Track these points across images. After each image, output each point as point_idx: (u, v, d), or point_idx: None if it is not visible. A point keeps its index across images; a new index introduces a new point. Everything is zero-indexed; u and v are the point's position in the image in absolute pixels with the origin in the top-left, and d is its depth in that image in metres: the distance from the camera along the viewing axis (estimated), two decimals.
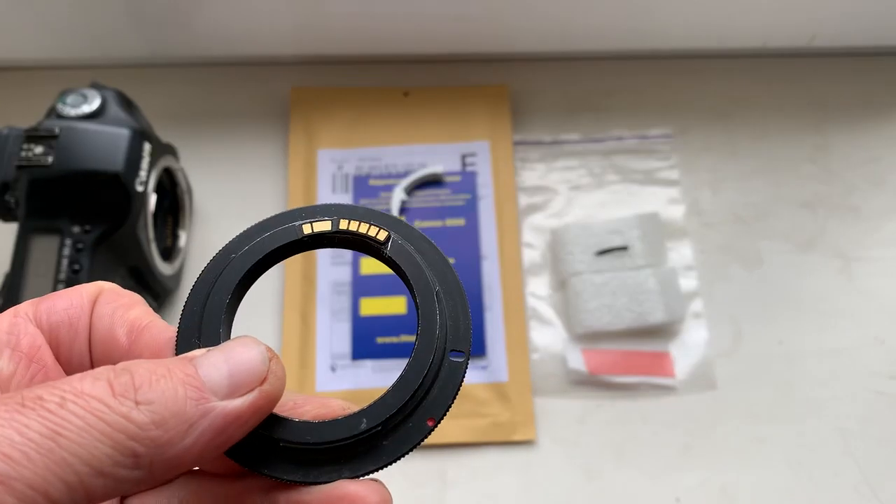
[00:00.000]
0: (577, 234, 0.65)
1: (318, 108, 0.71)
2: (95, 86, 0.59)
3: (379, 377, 0.61)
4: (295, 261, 0.65)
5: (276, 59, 0.74)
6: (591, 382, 0.61)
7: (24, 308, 0.26)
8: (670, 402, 0.60)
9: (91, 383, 0.20)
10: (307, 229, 0.26)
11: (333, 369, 0.61)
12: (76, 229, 0.54)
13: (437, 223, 0.66)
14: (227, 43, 0.72)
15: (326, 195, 0.67)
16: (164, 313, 0.63)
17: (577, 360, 0.61)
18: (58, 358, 0.25)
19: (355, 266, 0.65)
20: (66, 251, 0.54)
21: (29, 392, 0.19)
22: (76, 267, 0.53)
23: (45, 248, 0.54)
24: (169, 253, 0.63)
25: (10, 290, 0.53)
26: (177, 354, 0.24)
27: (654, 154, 0.70)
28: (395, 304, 0.63)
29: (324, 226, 0.26)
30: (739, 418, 0.60)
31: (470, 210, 0.66)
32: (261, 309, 0.64)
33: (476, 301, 0.63)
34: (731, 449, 0.59)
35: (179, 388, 0.21)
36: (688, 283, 0.64)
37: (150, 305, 0.54)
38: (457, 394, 0.24)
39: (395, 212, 0.66)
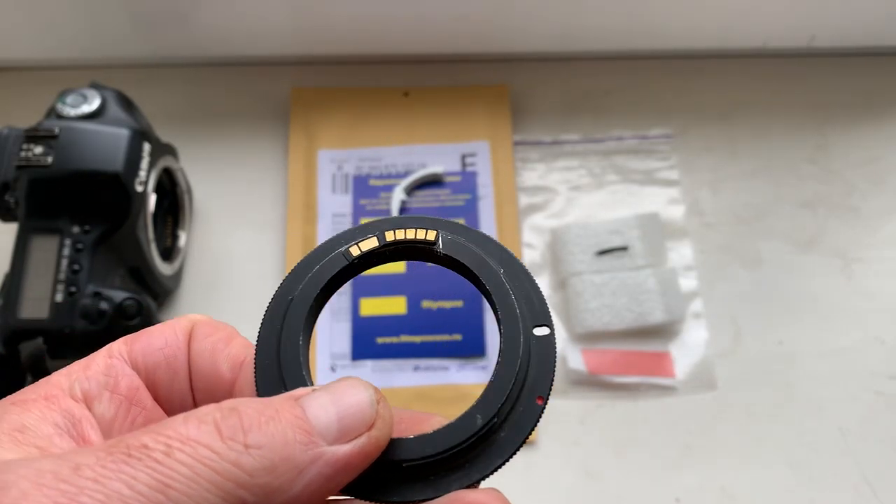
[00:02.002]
0: (577, 234, 0.65)
1: (318, 109, 0.71)
2: (95, 86, 0.59)
3: (379, 377, 0.61)
4: (294, 260, 0.64)
5: (276, 59, 0.74)
6: (591, 382, 0.61)
7: (118, 348, 0.25)
8: (670, 402, 0.60)
9: (197, 427, 0.19)
10: (355, 251, 0.26)
11: (333, 370, 0.61)
12: (76, 229, 0.54)
13: None
14: (226, 43, 0.72)
15: (326, 195, 0.67)
16: (165, 313, 0.63)
17: (577, 360, 0.61)
18: (157, 398, 0.25)
19: None
20: (66, 251, 0.54)
21: (133, 440, 0.18)
22: (76, 267, 0.53)
23: (45, 249, 0.54)
24: (169, 253, 0.63)
25: (9, 290, 0.53)
26: None
27: (654, 154, 0.70)
28: (395, 305, 0.63)
29: (371, 243, 0.26)
30: (739, 418, 0.60)
31: (470, 210, 0.66)
32: (261, 309, 0.63)
33: (476, 301, 0.63)
34: (731, 449, 0.59)
35: (289, 431, 0.20)
36: (688, 283, 0.64)
37: (150, 305, 0.54)
38: (555, 367, 0.24)
39: (394, 212, 0.66)
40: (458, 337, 0.62)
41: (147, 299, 0.55)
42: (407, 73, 0.73)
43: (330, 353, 0.62)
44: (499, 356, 0.24)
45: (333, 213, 0.67)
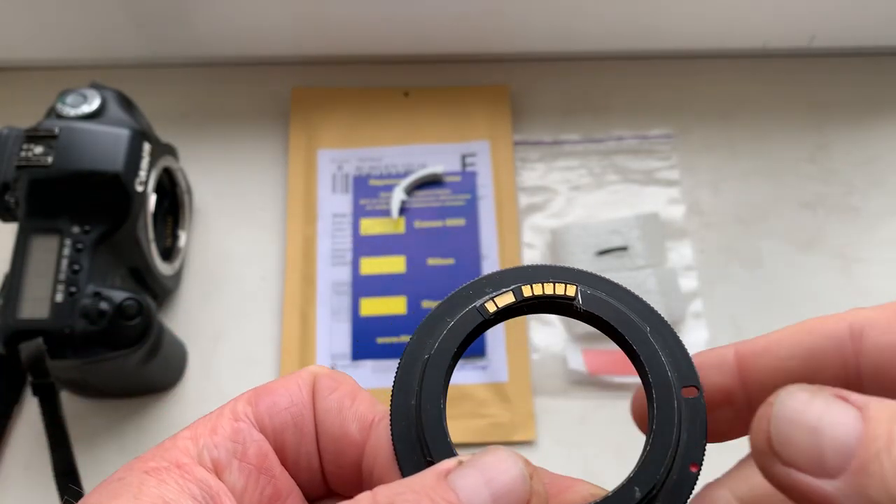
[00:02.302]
0: (577, 234, 0.65)
1: (318, 108, 0.71)
2: (95, 86, 0.59)
3: (379, 377, 0.61)
4: (294, 260, 0.65)
5: (276, 59, 0.74)
6: (591, 383, 0.61)
7: (243, 409, 0.23)
8: None
9: None
10: (491, 307, 0.25)
11: (333, 369, 0.61)
12: (76, 229, 0.54)
13: (437, 223, 0.66)
14: (227, 43, 0.72)
15: (326, 195, 0.67)
16: (165, 314, 0.63)
17: (577, 361, 0.61)
18: (284, 461, 0.23)
19: (355, 266, 0.64)
20: (66, 251, 0.54)
21: None
22: (76, 267, 0.53)
23: (45, 249, 0.54)
24: (169, 253, 0.63)
25: (9, 290, 0.53)
26: (403, 476, 0.22)
27: (655, 154, 0.70)
28: (395, 305, 0.63)
29: (507, 298, 0.25)
30: None
31: (470, 210, 0.66)
32: (261, 309, 0.64)
33: None
34: (731, 448, 0.59)
35: None
36: (688, 283, 0.64)
37: (150, 305, 0.54)
38: (706, 430, 0.24)
39: (394, 212, 0.66)
40: None
41: (147, 299, 0.55)
42: (407, 74, 0.73)
43: (330, 353, 0.62)
44: (652, 423, 0.23)
45: (333, 213, 0.67)
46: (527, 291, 0.25)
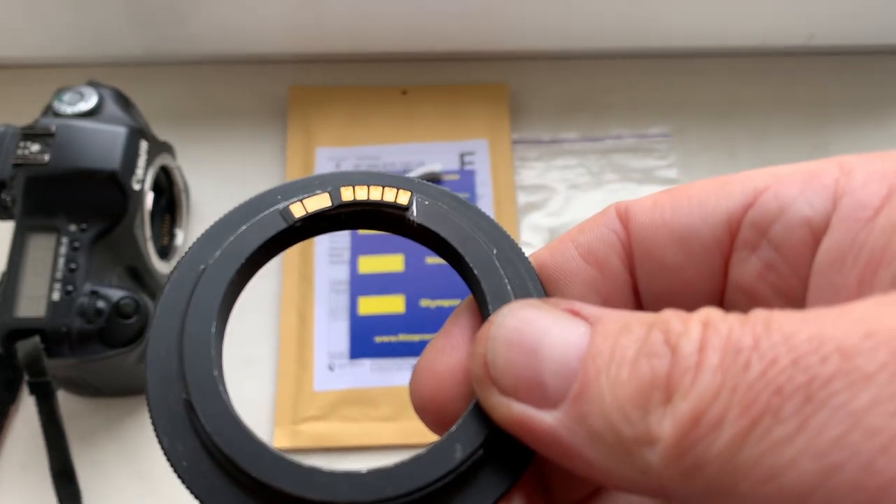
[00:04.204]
0: None
1: (315, 107, 0.71)
2: (92, 84, 0.59)
3: (377, 376, 0.61)
4: (292, 259, 0.65)
5: (274, 57, 0.74)
6: None
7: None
8: None
9: None
10: (298, 211, 0.19)
11: (331, 368, 0.61)
12: (73, 228, 0.54)
13: None
14: (224, 41, 0.72)
15: None
16: None
17: None
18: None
19: (353, 264, 0.64)
20: (63, 249, 0.53)
21: None
22: (73, 266, 0.53)
23: (42, 247, 0.54)
24: (166, 252, 0.63)
25: (6, 288, 0.53)
26: (150, 415, 0.18)
27: (653, 153, 0.70)
28: (394, 303, 0.63)
29: (320, 202, 0.19)
30: None
31: None
32: (258, 308, 0.64)
33: None
34: None
35: None
36: None
37: (147, 304, 0.54)
38: None
39: None
40: None
41: (144, 298, 0.55)
42: (405, 72, 0.73)
43: (328, 352, 0.62)
44: None
45: None
46: (346, 195, 0.20)
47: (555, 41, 0.73)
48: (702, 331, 0.14)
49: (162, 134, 0.62)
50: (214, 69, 0.74)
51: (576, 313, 0.17)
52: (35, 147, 0.54)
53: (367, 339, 0.62)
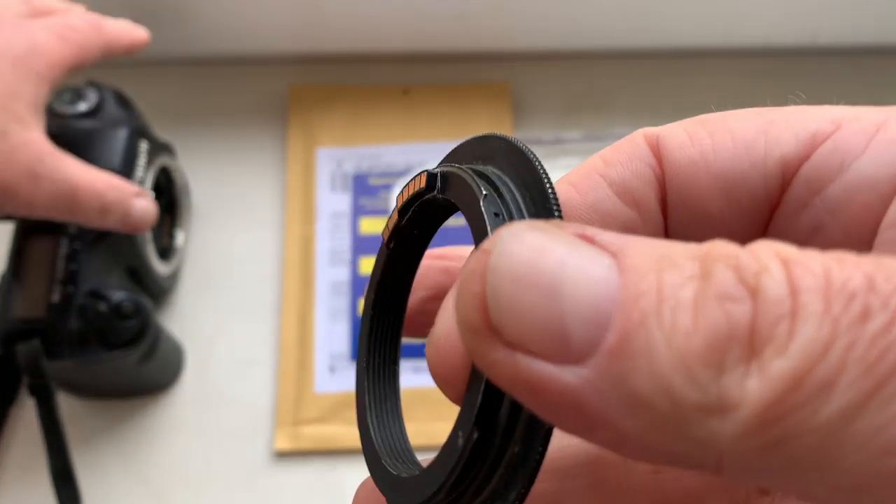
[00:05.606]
0: None
1: (316, 107, 0.71)
2: (92, 84, 0.58)
3: None
4: (293, 261, 0.64)
5: (275, 56, 0.73)
6: None
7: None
8: None
9: None
10: (385, 233, 0.20)
11: (332, 370, 0.61)
12: (73, 229, 0.54)
13: None
14: (225, 41, 0.72)
15: (325, 194, 0.67)
16: (162, 314, 0.63)
17: None
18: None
19: (354, 266, 0.64)
20: (63, 251, 0.53)
21: None
22: (73, 267, 0.53)
23: (42, 248, 0.53)
24: (166, 253, 0.62)
25: (6, 289, 0.52)
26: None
27: None
28: None
29: (394, 218, 0.19)
30: None
31: None
32: (258, 309, 0.63)
33: None
34: None
35: None
36: None
37: (147, 305, 0.54)
38: None
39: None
40: None
41: (144, 299, 0.54)
42: (407, 71, 0.73)
43: (329, 353, 0.61)
44: None
45: (332, 212, 0.66)
46: (399, 201, 0.19)
47: (557, 40, 0.73)
48: (785, 268, 0.11)
49: (162, 134, 0.62)
50: (214, 69, 0.73)
51: (590, 239, 0.13)
52: None
53: None
